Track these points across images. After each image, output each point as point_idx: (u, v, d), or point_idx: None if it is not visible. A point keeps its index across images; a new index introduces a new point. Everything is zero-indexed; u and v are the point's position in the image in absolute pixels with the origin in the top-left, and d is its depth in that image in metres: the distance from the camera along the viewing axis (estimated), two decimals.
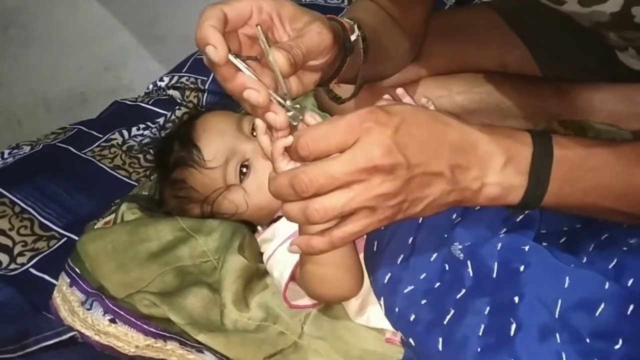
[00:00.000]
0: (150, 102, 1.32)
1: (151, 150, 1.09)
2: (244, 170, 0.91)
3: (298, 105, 0.57)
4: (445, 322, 0.66)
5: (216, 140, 0.94)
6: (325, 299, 0.79)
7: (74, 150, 1.17)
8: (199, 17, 0.56)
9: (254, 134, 0.93)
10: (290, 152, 0.56)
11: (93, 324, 0.82)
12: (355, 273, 0.76)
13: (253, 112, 0.59)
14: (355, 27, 0.73)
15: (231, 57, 0.56)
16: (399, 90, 0.90)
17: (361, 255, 0.79)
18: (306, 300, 0.80)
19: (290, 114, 0.57)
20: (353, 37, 0.72)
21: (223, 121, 0.97)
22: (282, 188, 0.55)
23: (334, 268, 0.74)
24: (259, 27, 0.58)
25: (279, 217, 0.86)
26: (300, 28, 0.61)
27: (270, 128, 0.59)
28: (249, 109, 0.59)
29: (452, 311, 0.66)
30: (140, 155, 1.18)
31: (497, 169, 0.59)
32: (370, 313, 0.77)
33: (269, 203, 0.90)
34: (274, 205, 0.88)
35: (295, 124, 0.58)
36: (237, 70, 0.57)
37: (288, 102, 0.57)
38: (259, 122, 0.59)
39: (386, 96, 0.91)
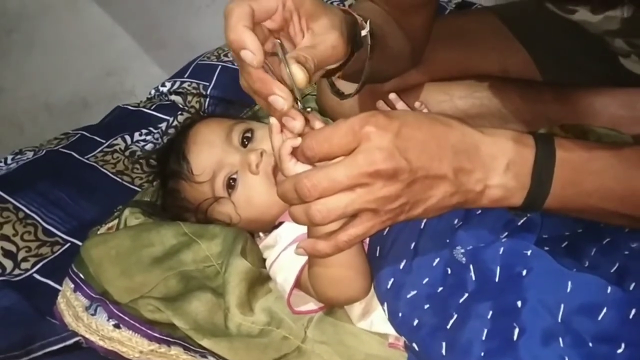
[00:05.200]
0: (152, 108, 1.33)
1: (152, 159, 1.10)
2: (232, 183, 0.91)
3: (309, 109, 0.60)
4: (448, 327, 0.66)
5: (204, 153, 0.94)
6: (334, 301, 0.79)
7: (76, 155, 1.18)
8: (227, 14, 0.56)
9: (245, 142, 0.94)
10: (297, 153, 0.58)
11: (97, 329, 0.82)
12: (364, 273, 0.75)
13: (271, 112, 0.60)
14: (367, 24, 0.72)
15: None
16: (392, 96, 0.91)
17: None
18: (310, 306, 0.81)
19: None
20: (363, 33, 0.71)
21: (213, 132, 0.96)
22: (287, 192, 0.56)
23: (343, 269, 0.74)
24: (278, 41, 0.59)
25: (280, 223, 0.86)
26: (316, 32, 0.61)
27: (283, 129, 0.60)
28: (265, 107, 0.60)
29: (455, 315, 0.66)
30: (143, 161, 1.18)
31: (500, 171, 0.59)
32: (373, 318, 0.77)
33: (259, 216, 0.90)
34: (266, 218, 0.90)
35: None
36: (265, 71, 0.58)
37: (300, 106, 0.59)
38: (274, 122, 0.61)
39: (380, 103, 0.91)
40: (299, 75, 0.56)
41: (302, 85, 0.56)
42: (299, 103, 0.58)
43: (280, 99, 0.56)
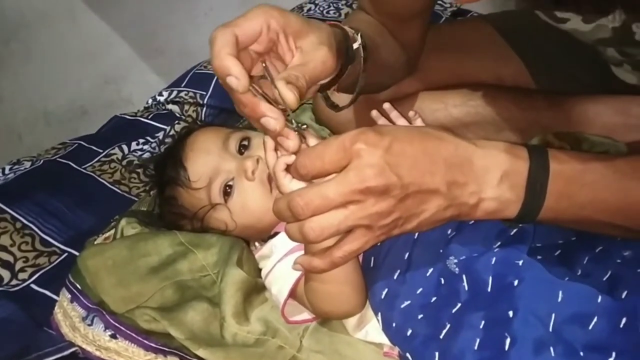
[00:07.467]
0: (149, 117, 1.33)
1: (150, 167, 1.11)
2: (228, 190, 0.92)
3: (304, 126, 0.60)
4: (441, 337, 0.66)
5: (201, 160, 0.95)
6: (330, 315, 0.80)
7: (74, 165, 1.18)
8: (211, 42, 0.57)
9: (242, 150, 0.95)
10: (291, 170, 0.58)
11: (94, 339, 0.83)
12: (359, 289, 0.76)
13: (265, 132, 0.60)
14: (358, 36, 0.72)
15: (250, 87, 0.58)
16: (386, 105, 0.91)
17: None
18: (304, 316, 0.81)
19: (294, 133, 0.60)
20: (355, 46, 0.72)
21: (210, 139, 0.97)
22: (282, 210, 0.56)
23: (339, 284, 0.74)
24: (264, 64, 0.60)
25: (276, 233, 0.87)
26: (305, 49, 0.61)
27: (277, 148, 0.61)
28: (260, 128, 0.61)
29: (448, 325, 0.67)
30: (140, 170, 1.19)
31: (494, 184, 0.59)
32: (368, 329, 0.78)
33: (255, 223, 0.91)
34: (261, 225, 0.90)
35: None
36: (254, 95, 0.58)
37: (294, 124, 0.59)
38: (268, 140, 0.62)
39: (374, 113, 0.92)
40: (289, 96, 0.56)
41: (292, 106, 0.57)
42: (293, 122, 0.59)
43: (272, 120, 0.57)
